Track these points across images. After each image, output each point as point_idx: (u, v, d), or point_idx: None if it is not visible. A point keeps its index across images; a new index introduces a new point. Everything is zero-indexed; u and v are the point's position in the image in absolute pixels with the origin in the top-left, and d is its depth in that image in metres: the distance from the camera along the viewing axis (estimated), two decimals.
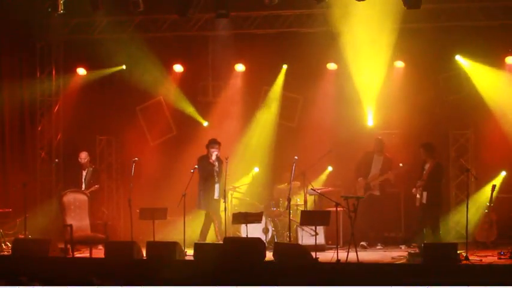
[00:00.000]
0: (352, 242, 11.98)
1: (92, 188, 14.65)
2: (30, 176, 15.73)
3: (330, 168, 15.37)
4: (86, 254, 12.95)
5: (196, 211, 14.25)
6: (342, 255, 12.01)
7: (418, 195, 13.75)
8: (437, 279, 10.08)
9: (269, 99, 16.06)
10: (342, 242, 13.39)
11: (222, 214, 13.73)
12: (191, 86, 16.28)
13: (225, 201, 13.56)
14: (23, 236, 13.83)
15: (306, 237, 13.64)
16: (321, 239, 13.46)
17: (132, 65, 15.98)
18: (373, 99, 15.23)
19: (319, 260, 12.05)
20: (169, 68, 16.20)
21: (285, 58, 15.89)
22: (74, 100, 16.40)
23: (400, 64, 15.22)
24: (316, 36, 14.92)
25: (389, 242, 14.50)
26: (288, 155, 14.24)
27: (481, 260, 12.27)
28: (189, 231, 13.11)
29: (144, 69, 15.83)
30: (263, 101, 16.11)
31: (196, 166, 13.78)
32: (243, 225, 13.37)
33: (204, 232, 14.03)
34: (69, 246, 12.75)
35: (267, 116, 16.04)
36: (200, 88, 16.30)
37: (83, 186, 14.76)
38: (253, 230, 13.71)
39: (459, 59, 14.99)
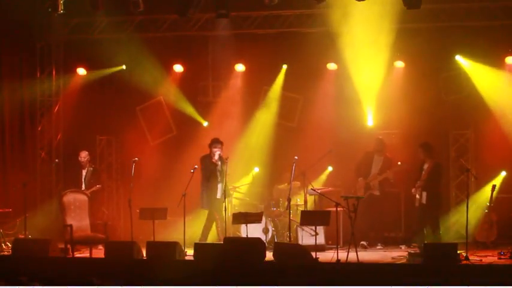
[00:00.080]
0: (352, 242, 11.98)
1: (94, 188, 14.67)
2: (30, 176, 15.72)
3: (330, 168, 15.37)
4: (86, 254, 12.95)
5: (196, 211, 14.24)
6: (342, 255, 12.01)
7: (417, 196, 13.75)
8: (437, 279, 10.08)
9: (269, 99, 16.05)
10: (342, 242, 13.38)
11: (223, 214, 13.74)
12: (191, 86, 16.28)
13: (227, 200, 13.54)
14: (23, 236, 13.84)
15: (306, 237, 13.64)
16: (321, 239, 13.46)
17: (132, 65, 15.97)
18: (373, 99, 15.23)
19: (319, 260, 12.05)
20: (169, 68, 16.20)
21: (285, 58, 15.89)
22: (74, 100, 16.39)
23: (399, 64, 15.22)
24: (316, 36, 14.92)
25: (389, 242, 14.49)
26: (288, 155, 14.23)
27: (481, 260, 12.27)
28: (189, 231, 13.09)
29: (144, 69, 15.80)
30: (263, 101, 16.10)
31: (196, 166, 13.76)
32: (243, 225, 13.37)
33: (205, 232, 14.02)
34: (69, 246, 12.74)
35: (267, 116, 16.02)
36: (200, 88, 16.31)
37: (83, 186, 14.77)
38: (253, 230, 13.71)
39: (459, 59, 14.98)
